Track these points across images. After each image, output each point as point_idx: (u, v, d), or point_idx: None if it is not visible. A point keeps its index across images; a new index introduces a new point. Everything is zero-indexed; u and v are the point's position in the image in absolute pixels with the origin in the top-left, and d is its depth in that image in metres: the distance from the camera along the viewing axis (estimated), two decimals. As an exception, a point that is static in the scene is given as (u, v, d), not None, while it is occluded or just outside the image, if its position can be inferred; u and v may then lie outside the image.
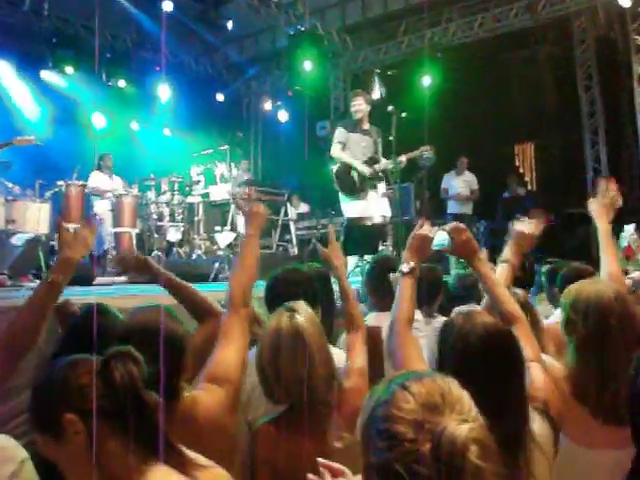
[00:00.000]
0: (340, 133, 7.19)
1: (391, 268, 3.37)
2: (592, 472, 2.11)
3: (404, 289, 2.27)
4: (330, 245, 2.92)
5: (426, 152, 7.14)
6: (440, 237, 2.51)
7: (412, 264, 2.31)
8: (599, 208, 2.90)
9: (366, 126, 7.21)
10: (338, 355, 2.64)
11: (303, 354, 2.13)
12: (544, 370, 2.10)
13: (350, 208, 7.06)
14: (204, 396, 1.99)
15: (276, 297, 2.60)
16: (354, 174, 6.99)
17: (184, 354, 2.01)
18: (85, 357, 1.53)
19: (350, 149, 7.11)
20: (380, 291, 3.48)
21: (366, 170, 6.96)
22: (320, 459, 1.62)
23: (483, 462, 1.10)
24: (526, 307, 2.61)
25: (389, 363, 2.32)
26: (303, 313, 2.23)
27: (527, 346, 2.03)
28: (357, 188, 6.98)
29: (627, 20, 9.96)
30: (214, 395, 2.00)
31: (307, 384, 2.11)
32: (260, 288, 4.33)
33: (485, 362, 1.75)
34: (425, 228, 2.40)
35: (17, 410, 2.71)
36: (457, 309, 3.89)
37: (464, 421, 1.15)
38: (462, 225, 2.42)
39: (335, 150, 7.12)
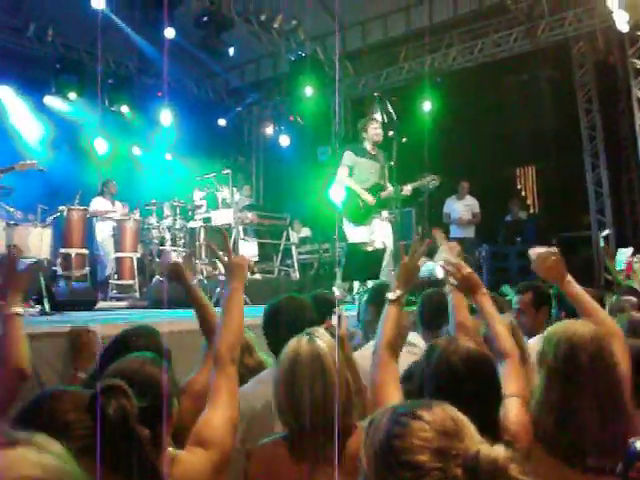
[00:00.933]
0: (348, 157, 7.20)
1: None
2: None
3: (388, 316, 2.31)
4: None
5: (432, 182, 7.16)
6: (427, 267, 2.55)
7: (398, 292, 2.35)
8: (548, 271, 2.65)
9: (374, 151, 7.22)
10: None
11: (321, 377, 2.10)
12: (523, 407, 2.09)
13: (353, 233, 7.07)
14: (186, 457, 1.87)
15: (274, 325, 2.58)
16: (359, 201, 7.00)
17: (165, 403, 1.80)
18: (74, 390, 1.50)
19: (357, 174, 7.12)
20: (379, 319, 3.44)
21: (370, 199, 6.99)
22: None
23: (525, 477, 1.12)
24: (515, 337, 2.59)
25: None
26: (322, 337, 2.21)
27: (512, 381, 2.07)
28: (361, 214, 7.00)
29: (626, 44, 10.02)
30: (197, 458, 1.89)
31: (322, 409, 2.06)
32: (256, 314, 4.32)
33: (466, 384, 1.78)
34: (413, 257, 2.43)
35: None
36: None
37: (490, 443, 1.17)
38: (460, 263, 2.42)
39: (341, 174, 7.14)
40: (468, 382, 1.77)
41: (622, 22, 8.99)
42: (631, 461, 1.80)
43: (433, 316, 3.82)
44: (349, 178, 7.11)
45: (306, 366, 2.11)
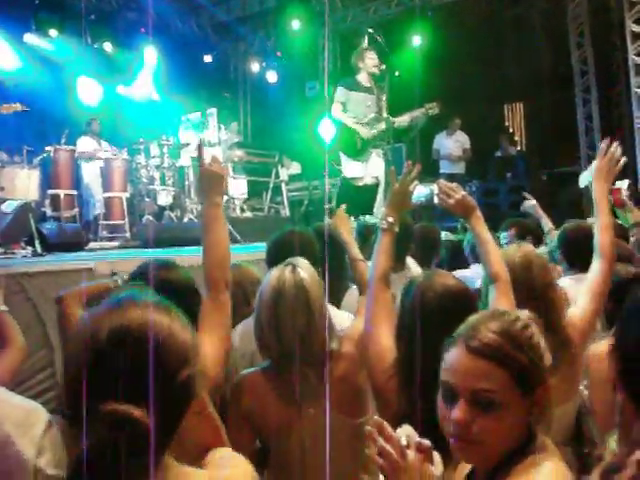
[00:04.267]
0: (340, 92, 7.02)
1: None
2: None
3: (381, 245, 2.28)
4: (340, 220, 2.94)
5: (430, 110, 7.03)
6: (420, 191, 2.51)
7: (390, 220, 2.30)
8: (599, 170, 2.74)
9: (370, 83, 7.02)
10: (340, 317, 2.63)
11: (304, 308, 2.11)
12: None
13: (350, 167, 6.98)
14: None
15: (278, 260, 2.57)
16: (355, 135, 6.89)
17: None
18: None
19: (352, 109, 6.96)
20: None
21: (365, 132, 6.87)
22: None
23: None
24: None
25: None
26: (305, 268, 2.21)
27: (500, 306, 2.05)
28: (357, 149, 6.90)
29: (620, -25, 9.82)
30: None
31: (305, 340, 2.09)
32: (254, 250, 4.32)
33: (439, 318, 1.79)
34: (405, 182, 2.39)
35: (35, 368, 2.71)
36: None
37: None
38: (452, 185, 2.38)
39: (335, 111, 7.00)
40: (441, 318, 1.77)
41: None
42: None
43: (424, 250, 3.85)
44: (344, 113, 6.97)
45: (289, 298, 2.11)
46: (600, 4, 10.83)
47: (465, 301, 1.95)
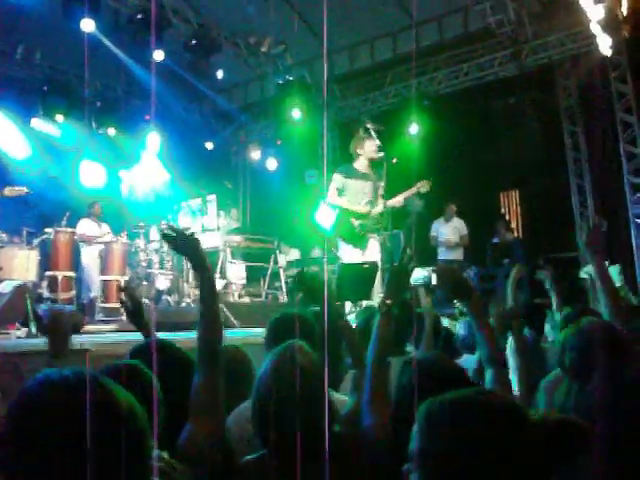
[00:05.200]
0: (337, 179, 7.11)
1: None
2: None
3: (381, 329, 2.27)
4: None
5: (421, 187, 7.10)
6: (418, 274, 2.54)
7: (389, 302, 2.31)
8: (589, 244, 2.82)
9: (367, 170, 7.11)
10: (341, 400, 2.57)
11: (303, 396, 2.02)
12: None
13: (348, 254, 6.99)
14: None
15: (277, 343, 2.54)
16: (353, 221, 6.92)
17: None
18: None
19: (348, 195, 7.02)
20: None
21: (362, 209, 6.90)
22: None
23: None
24: None
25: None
26: (303, 354, 2.14)
27: (497, 390, 2.06)
28: (357, 235, 6.93)
29: (608, 68, 10.15)
30: (181, 476, 1.74)
31: (305, 427, 1.99)
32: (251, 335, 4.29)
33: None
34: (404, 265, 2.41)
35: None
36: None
37: None
38: (451, 267, 2.42)
39: (331, 196, 7.07)
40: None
41: (605, 46, 9.14)
42: None
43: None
44: (339, 197, 7.04)
45: (286, 386, 2.03)
46: (590, 94, 11.14)
47: (461, 385, 1.93)
